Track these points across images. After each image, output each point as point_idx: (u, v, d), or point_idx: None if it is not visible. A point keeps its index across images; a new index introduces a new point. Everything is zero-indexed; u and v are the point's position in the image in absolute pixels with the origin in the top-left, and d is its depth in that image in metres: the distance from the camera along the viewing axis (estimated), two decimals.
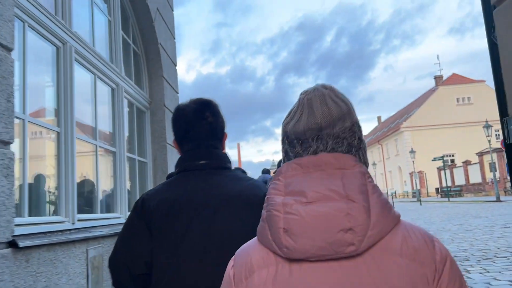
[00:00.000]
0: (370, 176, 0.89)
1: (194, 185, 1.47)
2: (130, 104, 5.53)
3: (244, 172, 6.66)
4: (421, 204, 34.21)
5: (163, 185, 1.54)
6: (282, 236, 0.82)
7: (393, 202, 36.97)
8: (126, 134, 5.20)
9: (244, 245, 0.95)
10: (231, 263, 0.93)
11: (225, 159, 1.57)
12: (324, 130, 0.92)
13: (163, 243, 1.40)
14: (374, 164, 64.69)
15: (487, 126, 28.74)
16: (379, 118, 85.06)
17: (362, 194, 0.83)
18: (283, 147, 1.00)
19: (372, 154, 70.44)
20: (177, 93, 6.86)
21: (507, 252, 8.21)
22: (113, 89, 4.80)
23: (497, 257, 7.82)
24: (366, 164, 0.98)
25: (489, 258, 7.74)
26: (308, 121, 0.93)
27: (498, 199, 26.91)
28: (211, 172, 1.50)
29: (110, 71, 4.60)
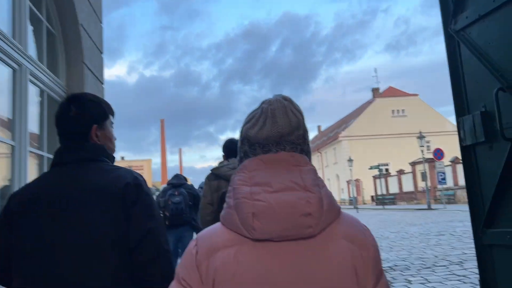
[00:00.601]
0: (317, 174, 1.08)
1: (53, 180, 1.50)
2: (41, 92, 4.69)
3: (185, 178, 5.84)
4: (358, 211, 34.94)
5: (33, 180, 1.59)
6: (251, 220, 0.96)
7: None
8: (33, 125, 4.36)
9: (207, 228, 1.06)
10: (193, 243, 1.04)
11: (96, 151, 1.58)
12: (284, 137, 1.08)
13: (19, 238, 1.43)
14: None
15: (421, 137, 30.00)
16: (319, 127, 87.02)
17: (316, 187, 1.02)
18: (242, 148, 1.12)
19: (312, 162, 71.55)
20: (102, 83, 6.05)
21: (445, 260, 8.14)
22: (14, 70, 3.97)
23: (436, 266, 7.71)
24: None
25: (429, 267, 7.60)
26: (271, 130, 1.07)
27: (429, 207, 28.02)
28: (73, 166, 1.52)
29: (10, 47, 3.78)
